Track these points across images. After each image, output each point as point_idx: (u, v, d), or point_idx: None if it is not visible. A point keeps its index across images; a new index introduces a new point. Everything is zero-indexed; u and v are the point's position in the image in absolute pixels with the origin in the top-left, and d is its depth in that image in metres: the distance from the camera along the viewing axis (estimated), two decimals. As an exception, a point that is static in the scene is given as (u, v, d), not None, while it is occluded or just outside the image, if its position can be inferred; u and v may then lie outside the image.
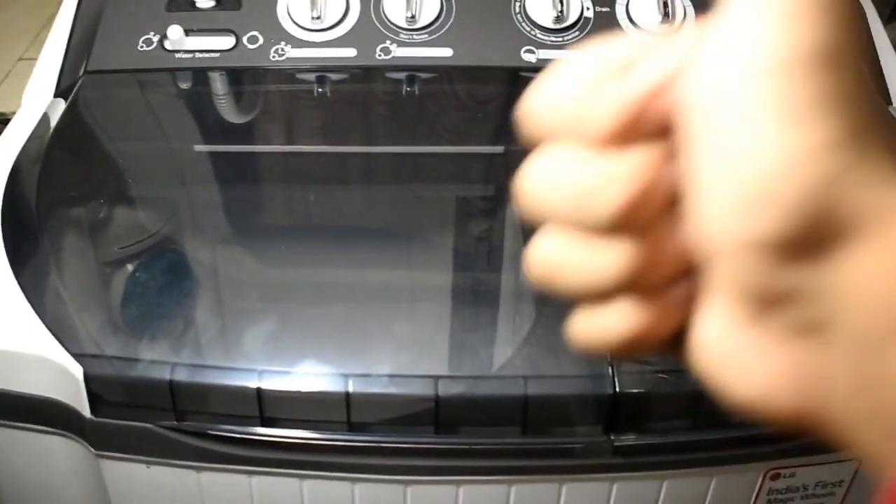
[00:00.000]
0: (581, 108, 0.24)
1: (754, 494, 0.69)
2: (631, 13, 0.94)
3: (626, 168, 0.24)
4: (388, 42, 0.93)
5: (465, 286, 0.71)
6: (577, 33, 0.93)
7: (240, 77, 0.93)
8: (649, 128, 0.24)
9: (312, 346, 0.65)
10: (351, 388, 0.61)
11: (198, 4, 0.95)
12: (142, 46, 0.93)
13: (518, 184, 0.26)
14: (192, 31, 0.93)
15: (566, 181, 0.24)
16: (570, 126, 0.24)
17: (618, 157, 0.24)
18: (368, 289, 0.71)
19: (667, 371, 0.64)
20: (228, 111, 0.91)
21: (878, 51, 0.95)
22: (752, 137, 0.22)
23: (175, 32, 0.92)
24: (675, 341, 0.25)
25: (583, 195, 0.24)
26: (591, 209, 0.24)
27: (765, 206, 0.21)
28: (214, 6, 0.95)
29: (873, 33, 0.96)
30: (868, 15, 0.97)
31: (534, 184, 0.25)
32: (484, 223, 0.78)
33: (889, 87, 0.93)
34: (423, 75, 0.93)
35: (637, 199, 0.23)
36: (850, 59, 0.22)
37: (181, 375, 0.62)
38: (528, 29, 0.94)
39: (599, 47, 0.25)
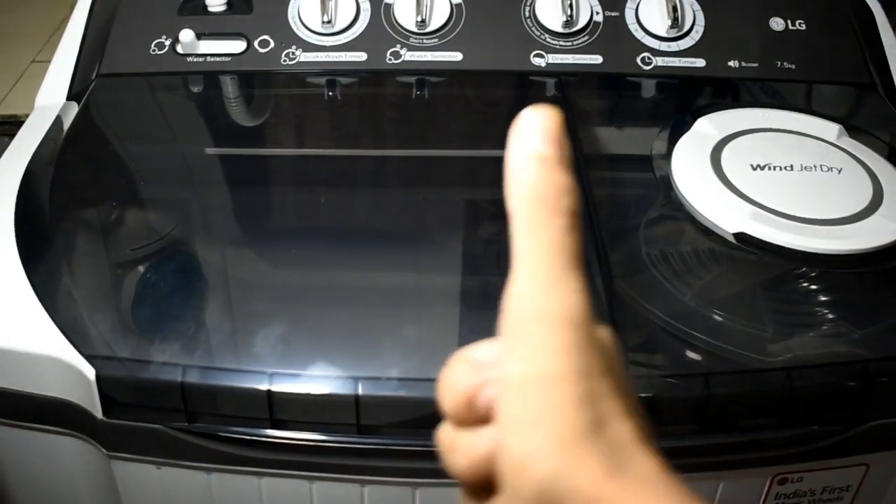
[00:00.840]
0: (457, 395, 0.34)
1: (762, 499, 0.69)
2: (640, 17, 0.94)
3: (470, 443, 0.33)
4: (398, 46, 0.93)
5: (475, 290, 0.72)
6: (586, 37, 0.94)
7: (251, 81, 0.93)
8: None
9: (323, 348, 0.65)
10: (360, 391, 0.61)
11: (209, 8, 0.96)
12: (154, 50, 0.94)
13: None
14: (204, 34, 0.94)
15: (445, 443, 0.35)
16: (455, 407, 0.34)
17: (471, 433, 0.33)
18: (379, 292, 0.72)
19: (675, 375, 0.64)
20: (239, 115, 0.92)
21: (886, 49, 0.95)
22: (513, 434, 0.29)
23: (187, 36, 0.93)
24: None
25: (449, 455, 0.34)
26: (452, 466, 0.34)
27: (516, 488, 0.29)
28: (226, 10, 0.96)
29: (880, 30, 0.96)
30: (876, 15, 0.97)
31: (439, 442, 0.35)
32: (494, 227, 0.79)
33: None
34: (433, 79, 0.93)
35: (475, 468, 0.32)
36: (572, 381, 0.29)
37: (192, 377, 0.62)
38: (538, 33, 0.94)
39: (478, 347, 0.34)
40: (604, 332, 0.32)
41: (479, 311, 0.69)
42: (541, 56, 0.93)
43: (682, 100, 0.93)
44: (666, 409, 0.64)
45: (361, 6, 0.95)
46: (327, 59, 0.93)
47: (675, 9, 0.93)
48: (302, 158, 0.88)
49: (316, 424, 0.64)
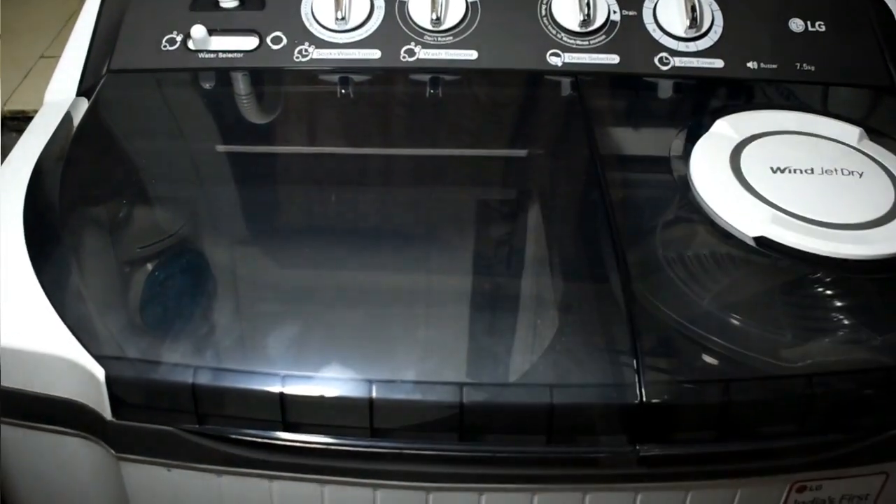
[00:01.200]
0: None
1: (780, 506, 0.68)
2: (658, 17, 0.93)
3: None
4: (412, 44, 0.92)
5: (491, 292, 0.71)
6: (603, 37, 0.93)
7: (263, 77, 0.93)
8: None
9: (336, 350, 0.64)
10: (374, 394, 0.61)
11: (221, 4, 0.95)
12: (165, 46, 0.93)
13: None
14: (216, 31, 0.93)
15: None
16: None
17: None
18: (392, 293, 0.71)
19: (694, 381, 0.63)
20: (251, 112, 0.91)
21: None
22: None
23: (198, 32, 0.92)
24: None
25: None
26: None
27: None
28: (238, 6, 0.95)
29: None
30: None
31: None
32: (508, 227, 0.78)
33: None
34: (448, 78, 0.92)
35: None
36: None
37: (203, 379, 0.61)
38: (554, 32, 0.93)
39: None
40: None
41: (495, 314, 0.68)
42: (557, 55, 0.92)
43: (700, 101, 0.92)
44: (684, 414, 0.63)
45: (375, 3, 0.94)
46: (340, 57, 0.92)
47: (693, 9, 0.92)
48: (314, 157, 0.87)
49: (328, 427, 0.63)
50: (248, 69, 0.92)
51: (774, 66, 0.92)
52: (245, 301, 0.70)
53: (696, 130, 0.83)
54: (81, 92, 0.91)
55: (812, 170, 0.77)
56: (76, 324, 0.65)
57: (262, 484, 0.66)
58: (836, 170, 0.77)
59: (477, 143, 0.87)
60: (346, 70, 0.92)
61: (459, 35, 0.93)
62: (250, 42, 0.93)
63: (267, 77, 0.93)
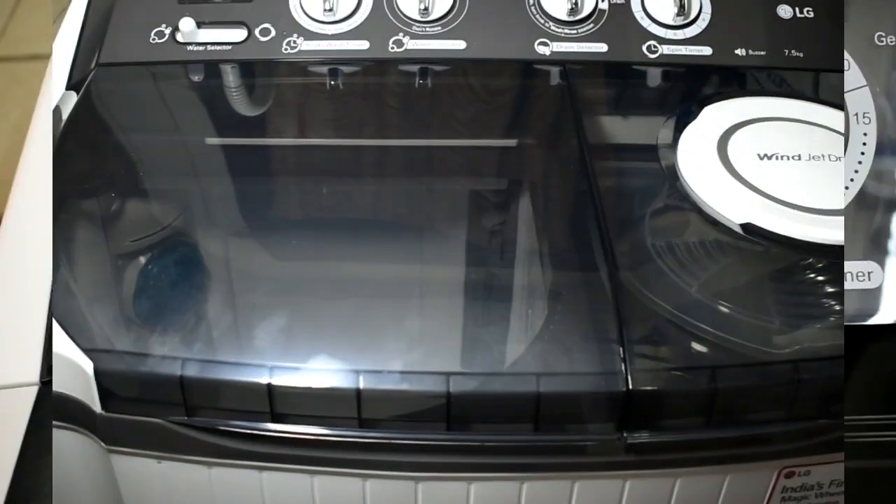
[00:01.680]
0: None
1: (768, 492, 0.69)
2: (646, 5, 0.93)
3: None
4: (400, 34, 0.92)
5: (478, 281, 0.71)
6: (591, 25, 0.93)
7: (252, 69, 0.92)
8: None
9: (324, 341, 0.65)
10: (362, 385, 0.61)
11: (209, -4, 0.95)
12: (154, 39, 0.93)
13: None
14: (205, 23, 0.93)
15: None
16: None
17: None
18: (380, 284, 0.71)
19: (681, 368, 0.63)
20: (240, 104, 0.91)
21: None
22: None
23: (187, 25, 0.92)
24: None
25: None
26: None
27: None
28: (226, -2, 0.95)
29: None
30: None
31: None
32: (497, 217, 0.78)
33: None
34: (436, 68, 0.92)
35: None
36: None
37: (192, 371, 0.62)
38: (542, 21, 0.93)
39: None
40: None
41: (483, 303, 0.69)
42: (545, 44, 0.92)
43: (689, 88, 0.92)
44: (672, 401, 0.63)
45: (363, -7, 0.94)
46: (329, 48, 0.92)
47: (681, -4, 0.92)
48: (304, 148, 0.87)
49: (317, 418, 0.63)
50: (236, 61, 0.92)
51: (763, 53, 0.91)
52: (234, 293, 0.70)
53: (683, 118, 0.83)
54: (71, 86, 0.91)
55: (800, 156, 0.77)
56: (65, 317, 0.65)
57: (251, 475, 0.66)
58: (823, 156, 0.77)
59: (465, 134, 0.87)
60: (334, 61, 0.92)
61: (447, 25, 0.93)
62: (238, 34, 0.93)
63: (256, 69, 0.93)
